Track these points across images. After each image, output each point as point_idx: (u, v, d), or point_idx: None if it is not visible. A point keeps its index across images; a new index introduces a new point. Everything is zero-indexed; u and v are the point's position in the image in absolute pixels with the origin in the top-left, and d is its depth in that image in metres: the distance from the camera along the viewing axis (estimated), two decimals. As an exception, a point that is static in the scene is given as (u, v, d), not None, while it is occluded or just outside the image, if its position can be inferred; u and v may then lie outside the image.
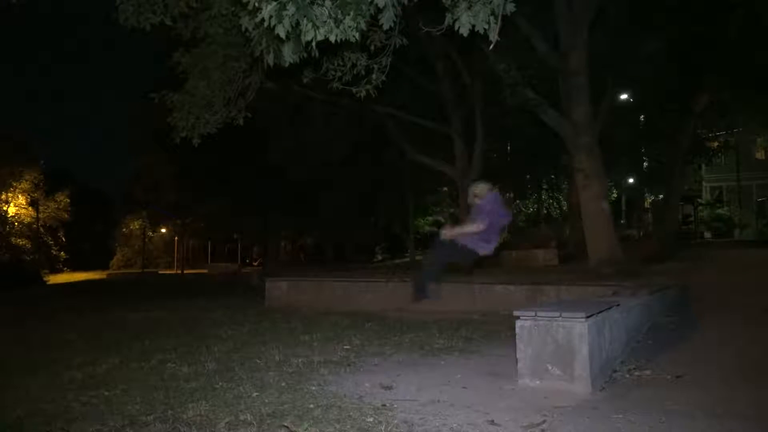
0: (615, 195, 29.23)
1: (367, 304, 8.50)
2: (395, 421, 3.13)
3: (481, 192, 5.71)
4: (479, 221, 5.45)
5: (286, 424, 3.08)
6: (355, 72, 7.07)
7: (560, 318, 3.76)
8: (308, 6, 3.76)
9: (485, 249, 5.55)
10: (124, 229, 48.00)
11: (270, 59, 4.64)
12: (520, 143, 20.42)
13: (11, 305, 13.06)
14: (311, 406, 3.42)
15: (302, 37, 3.90)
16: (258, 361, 4.81)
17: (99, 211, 49.43)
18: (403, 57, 10.58)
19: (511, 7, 4.00)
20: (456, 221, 34.83)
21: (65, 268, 44.73)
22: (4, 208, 40.61)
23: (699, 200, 28.47)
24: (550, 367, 3.78)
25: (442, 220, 38.64)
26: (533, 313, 3.90)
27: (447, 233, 5.59)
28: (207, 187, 32.05)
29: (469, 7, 3.93)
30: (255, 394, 3.73)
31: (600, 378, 3.89)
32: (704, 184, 29.33)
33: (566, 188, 22.59)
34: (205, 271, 37.72)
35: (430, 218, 37.67)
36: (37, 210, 41.70)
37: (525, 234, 24.19)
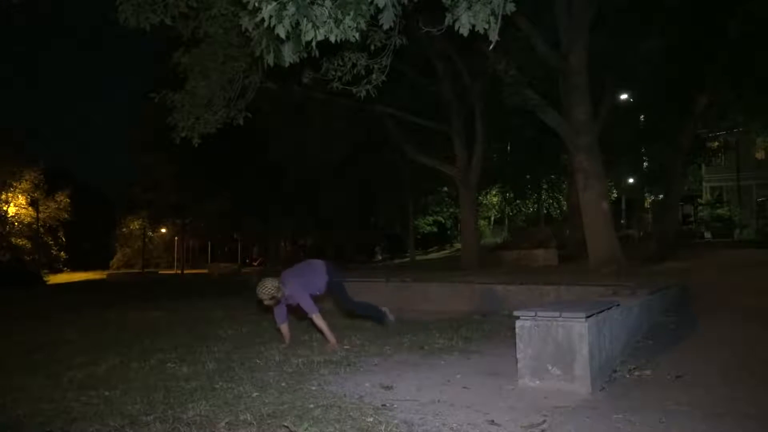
0: (615, 195, 29.22)
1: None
2: (395, 421, 3.13)
3: (276, 293, 5.53)
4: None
5: (286, 424, 3.07)
6: (355, 72, 7.08)
7: (560, 318, 3.76)
8: (308, 6, 3.76)
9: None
10: (124, 229, 48.00)
11: (270, 59, 4.64)
12: (520, 143, 20.43)
13: (11, 305, 13.06)
14: (311, 406, 3.42)
15: (302, 37, 3.90)
16: (258, 361, 4.81)
17: (99, 211, 49.39)
18: (403, 57, 10.58)
19: (511, 7, 4.00)
20: (456, 221, 34.65)
21: (65, 268, 44.71)
22: (4, 208, 40.60)
23: (699, 200, 28.47)
24: (550, 367, 3.78)
25: (443, 221, 38.71)
26: (533, 313, 3.90)
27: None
28: (207, 187, 32.05)
29: (469, 7, 3.93)
30: (255, 394, 3.73)
31: (600, 378, 3.89)
32: (704, 184, 29.32)
33: (566, 188, 22.59)
34: (205, 271, 37.70)
35: (430, 218, 37.70)
36: (37, 210, 41.67)
37: (525, 234, 24.17)
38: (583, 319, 3.70)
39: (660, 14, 12.46)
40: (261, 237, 41.37)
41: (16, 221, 41.41)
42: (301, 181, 25.06)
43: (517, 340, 3.93)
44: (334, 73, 7.34)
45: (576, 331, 3.71)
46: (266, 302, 5.47)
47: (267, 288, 5.40)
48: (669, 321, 6.29)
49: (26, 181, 41.00)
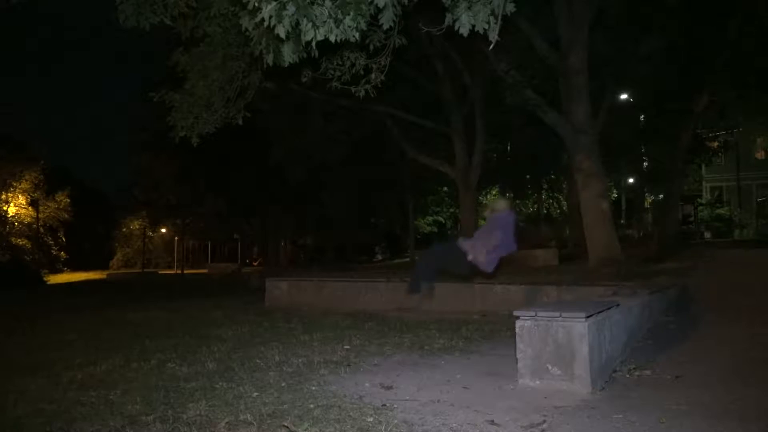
0: (615, 195, 29.24)
1: (367, 304, 8.50)
2: (395, 421, 3.13)
3: (500, 207, 5.99)
4: (494, 236, 5.61)
5: (286, 424, 3.07)
6: (354, 72, 7.08)
7: (560, 318, 3.76)
8: (308, 6, 3.76)
9: (486, 265, 5.70)
10: (124, 229, 47.96)
11: (269, 59, 4.63)
12: (520, 143, 20.44)
13: (11, 305, 13.06)
14: (311, 406, 3.42)
15: (302, 37, 3.89)
16: (258, 361, 4.80)
17: (99, 211, 49.33)
18: (403, 57, 10.58)
19: (511, 7, 4.00)
20: (456, 221, 34.71)
21: (65, 268, 44.62)
22: (4, 208, 40.56)
23: (699, 200, 28.48)
24: (550, 367, 3.78)
25: (443, 221, 38.73)
26: (533, 313, 3.90)
27: (467, 246, 5.63)
28: (207, 187, 32.04)
29: (469, 7, 3.93)
30: (255, 394, 3.73)
31: (600, 378, 3.89)
32: (704, 184, 29.33)
33: (566, 188, 22.60)
34: (205, 271, 37.68)
35: (430, 218, 37.70)
36: (37, 210, 41.64)
37: (525, 234, 24.19)
38: (583, 319, 3.70)
39: (660, 14, 12.46)
40: (261, 237, 41.33)
41: (16, 221, 41.37)
42: (301, 181, 25.04)
43: (517, 340, 3.93)
44: (333, 72, 7.34)
45: (576, 331, 3.71)
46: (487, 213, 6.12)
47: (500, 202, 6.22)
48: (669, 321, 6.29)
49: (26, 181, 40.97)
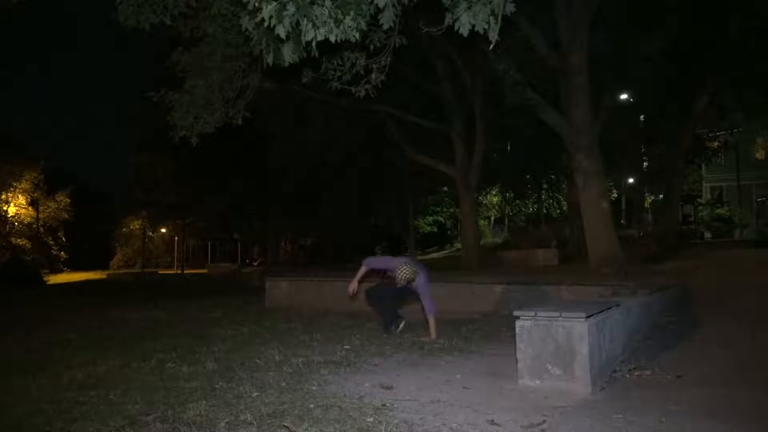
0: (615, 195, 29.22)
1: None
2: (395, 421, 3.13)
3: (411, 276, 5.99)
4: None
5: (286, 424, 3.07)
6: (354, 72, 7.08)
7: (560, 318, 3.76)
8: (308, 6, 3.76)
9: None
10: (124, 229, 47.97)
11: (269, 59, 4.64)
12: (520, 143, 20.42)
13: (11, 305, 13.05)
14: (311, 406, 3.42)
15: (302, 37, 3.90)
16: (258, 361, 4.80)
17: (99, 211, 49.35)
18: (403, 57, 10.56)
19: (511, 7, 4.00)
20: (456, 221, 34.64)
21: (65, 268, 44.60)
22: (4, 208, 40.55)
23: (699, 200, 28.48)
24: (550, 367, 3.78)
25: (443, 221, 38.70)
26: (533, 313, 3.90)
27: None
28: (207, 187, 32.02)
29: (469, 7, 3.93)
30: (255, 394, 3.73)
31: (600, 378, 3.89)
32: (704, 184, 29.33)
33: (566, 188, 22.59)
34: (205, 271, 37.66)
35: (430, 218, 37.68)
36: (37, 210, 41.65)
37: (525, 234, 24.22)
38: (584, 319, 3.70)
39: (660, 14, 12.47)
40: (261, 237, 41.34)
41: (16, 221, 41.36)
42: (301, 181, 25.06)
43: (517, 340, 3.93)
44: (333, 72, 7.35)
45: (576, 331, 3.71)
46: (400, 284, 5.98)
47: (405, 271, 5.88)
48: (669, 321, 6.29)
49: (26, 181, 40.96)
